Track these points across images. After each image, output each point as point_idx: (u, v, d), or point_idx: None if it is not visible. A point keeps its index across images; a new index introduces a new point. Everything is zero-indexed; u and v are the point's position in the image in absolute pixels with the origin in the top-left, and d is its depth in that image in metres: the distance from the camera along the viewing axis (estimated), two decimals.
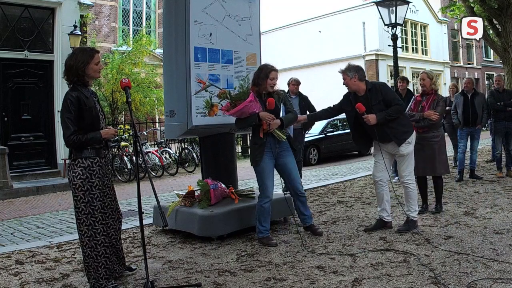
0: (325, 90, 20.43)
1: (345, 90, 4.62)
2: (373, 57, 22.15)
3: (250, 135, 4.54)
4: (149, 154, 10.81)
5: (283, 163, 4.33)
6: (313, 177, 9.15)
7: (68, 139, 3.11)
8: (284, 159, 4.32)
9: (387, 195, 4.57)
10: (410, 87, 7.83)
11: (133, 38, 15.66)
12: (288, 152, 4.36)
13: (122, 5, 18.96)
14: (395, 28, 8.53)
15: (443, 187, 5.37)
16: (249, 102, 4.02)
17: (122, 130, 11.77)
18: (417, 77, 24.86)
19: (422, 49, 25.53)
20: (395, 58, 8.64)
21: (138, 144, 3.21)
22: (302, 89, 7.49)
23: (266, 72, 4.20)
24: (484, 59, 29.25)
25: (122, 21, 19.03)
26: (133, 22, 19.30)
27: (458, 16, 13.84)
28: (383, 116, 4.23)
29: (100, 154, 3.26)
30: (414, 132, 4.51)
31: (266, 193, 4.24)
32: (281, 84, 4.64)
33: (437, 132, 5.13)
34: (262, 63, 5.36)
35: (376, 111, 4.28)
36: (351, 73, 4.34)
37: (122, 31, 18.75)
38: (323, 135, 12.73)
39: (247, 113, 4.09)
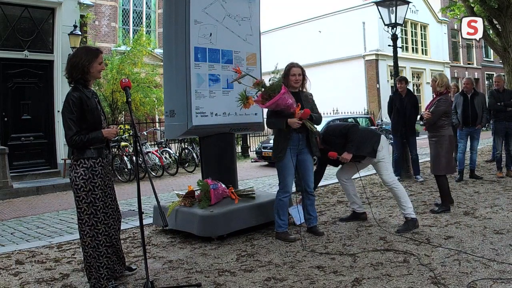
0: (325, 90, 20.45)
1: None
2: (373, 57, 22.15)
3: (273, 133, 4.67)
4: (149, 154, 10.81)
5: (301, 159, 4.46)
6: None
7: (71, 140, 3.11)
8: (303, 155, 4.46)
9: (352, 189, 5.00)
10: (409, 87, 7.84)
11: (133, 37, 15.65)
12: (308, 149, 4.50)
13: (122, 5, 18.97)
14: (395, 28, 8.51)
15: (445, 186, 5.29)
16: (283, 94, 4.12)
17: (122, 130, 11.77)
18: (417, 77, 24.93)
19: (422, 49, 25.55)
20: (395, 58, 8.62)
21: (138, 144, 3.21)
22: None
23: (286, 69, 4.37)
24: (484, 59, 29.26)
25: (122, 21, 19.03)
26: (133, 22, 19.30)
27: (458, 16, 13.84)
28: (350, 147, 4.50)
29: (102, 154, 3.26)
30: (381, 138, 4.62)
31: (286, 189, 4.40)
32: None
33: (437, 133, 5.22)
34: (262, 63, 5.38)
35: (338, 146, 4.57)
36: None
37: (122, 32, 18.75)
38: None
39: (282, 105, 4.17)
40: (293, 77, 4.34)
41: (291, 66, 4.41)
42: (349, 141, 4.50)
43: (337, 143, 4.59)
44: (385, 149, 4.62)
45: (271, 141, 11.24)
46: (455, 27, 22.76)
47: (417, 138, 7.97)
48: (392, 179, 4.59)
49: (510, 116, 7.24)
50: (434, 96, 5.39)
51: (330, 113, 16.58)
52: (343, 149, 4.53)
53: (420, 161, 8.20)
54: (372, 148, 4.55)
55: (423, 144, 15.45)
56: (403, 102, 7.54)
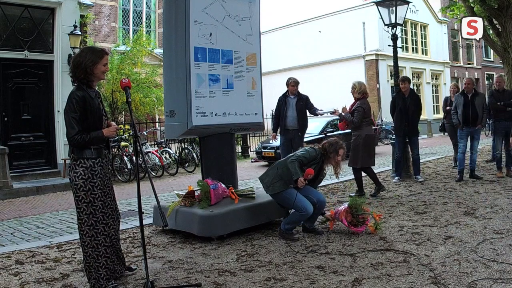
0: (325, 90, 20.44)
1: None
2: (373, 57, 22.13)
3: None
4: (149, 154, 10.80)
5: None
6: None
7: (73, 139, 3.11)
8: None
9: None
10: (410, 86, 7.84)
11: (133, 37, 15.65)
12: None
13: (122, 5, 18.96)
14: (395, 28, 8.51)
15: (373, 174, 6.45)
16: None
17: (122, 130, 11.77)
18: (417, 77, 24.91)
19: (422, 49, 25.52)
20: (395, 58, 8.62)
21: (138, 144, 3.21)
22: (302, 89, 7.49)
23: (337, 148, 4.51)
24: (484, 59, 29.24)
25: (122, 21, 19.03)
26: (133, 22, 19.30)
27: (458, 16, 13.84)
28: None
29: (102, 154, 3.26)
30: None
31: (307, 211, 4.33)
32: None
33: (356, 132, 6.36)
34: (262, 63, 5.38)
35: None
36: None
37: (122, 32, 18.75)
38: (323, 135, 12.71)
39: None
40: (338, 157, 4.50)
41: (341, 147, 4.53)
42: None
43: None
44: None
45: (271, 141, 11.26)
46: (455, 27, 22.75)
47: (418, 138, 7.96)
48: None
49: (510, 116, 7.24)
50: (354, 101, 6.40)
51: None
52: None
53: (420, 161, 8.20)
54: None
55: (424, 144, 15.45)
56: (406, 102, 7.53)
